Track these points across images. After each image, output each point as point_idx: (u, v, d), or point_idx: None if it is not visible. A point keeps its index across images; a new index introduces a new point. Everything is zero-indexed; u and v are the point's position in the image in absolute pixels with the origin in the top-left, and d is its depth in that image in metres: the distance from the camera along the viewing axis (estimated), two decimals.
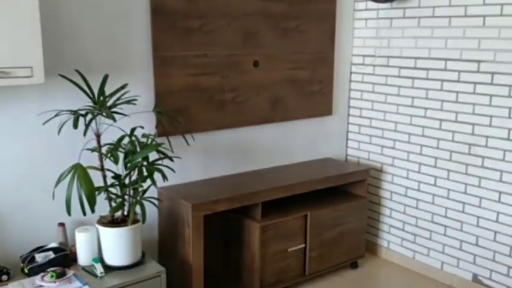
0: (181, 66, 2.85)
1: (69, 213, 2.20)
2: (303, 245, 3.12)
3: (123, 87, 2.49)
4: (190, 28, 2.86)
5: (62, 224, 2.55)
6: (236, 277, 3.08)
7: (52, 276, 2.27)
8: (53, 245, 2.49)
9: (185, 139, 2.69)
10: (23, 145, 2.45)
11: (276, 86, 3.31)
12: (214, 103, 3.03)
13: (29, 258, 2.39)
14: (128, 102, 2.42)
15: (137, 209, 2.40)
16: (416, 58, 3.29)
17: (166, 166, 2.52)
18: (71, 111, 2.36)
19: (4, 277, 2.29)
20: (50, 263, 2.37)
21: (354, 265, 3.49)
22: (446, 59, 3.12)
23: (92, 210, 2.20)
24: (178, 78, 2.86)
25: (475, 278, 3.14)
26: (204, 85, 2.97)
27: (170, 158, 2.56)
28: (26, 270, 2.34)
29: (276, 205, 3.10)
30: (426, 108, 3.27)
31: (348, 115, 3.81)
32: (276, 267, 3.02)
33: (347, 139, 3.86)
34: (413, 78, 3.32)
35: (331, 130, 3.75)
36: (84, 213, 2.20)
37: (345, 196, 3.43)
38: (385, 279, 3.40)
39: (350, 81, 3.76)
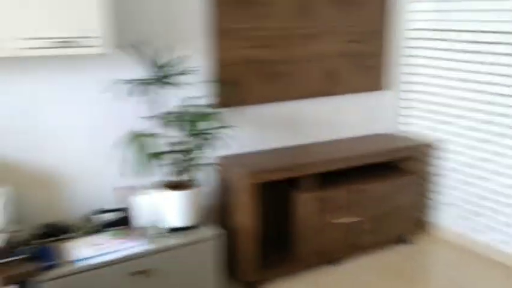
0: (237, 39, 2.91)
1: (128, 175, 2.32)
2: (352, 218, 3.14)
3: (182, 58, 2.57)
4: (248, 0, 2.90)
5: (123, 187, 2.70)
6: (287, 246, 3.15)
7: (114, 234, 2.42)
8: (116, 206, 2.65)
9: (240, 110, 2.75)
10: (87, 112, 2.59)
11: (329, 59, 3.31)
12: (268, 75, 3.08)
13: (93, 218, 2.55)
14: (185, 73, 2.51)
15: (196, 174, 2.50)
16: (475, 32, 3.18)
17: (223, 135, 2.59)
18: (134, 80, 2.48)
19: (71, 234, 2.47)
20: (111, 223, 2.52)
21: (405, 241, 3.48)
22: (509, 33, 3.01)
23: (149, 174, 2.31)
24: (234, 50, 2.92)
25: None
26: (259, 57, 3.01)
27: (227, 128, 2.63)
28: (90, 229, 2.51)
29: (327, 178, 3.13)
30: (483, 83, 3.17)
31: (402, 90, 3.76)
32: (324, 238, 3.07)
33: (401, 114, 3.81)
34: (471, 52, 3.22)
35: (384, 105, 3.72)
36: (142, 176, 2.32)
37: (397, 172, 3.41)
38: (439, 257, 3.36)
39: (405, 55, 3.70)
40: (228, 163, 2.89)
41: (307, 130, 3.37)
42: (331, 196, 3.02)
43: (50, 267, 2.14)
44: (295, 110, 3.28)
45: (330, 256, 3.13)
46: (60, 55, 2.26)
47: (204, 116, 2.54)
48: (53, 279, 2.11)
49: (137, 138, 2.33)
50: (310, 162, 2.93)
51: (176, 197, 2.54)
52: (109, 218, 2.53)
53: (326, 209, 3.02)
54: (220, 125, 2.61)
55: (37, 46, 2.09)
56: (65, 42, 2.14)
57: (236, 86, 2.94)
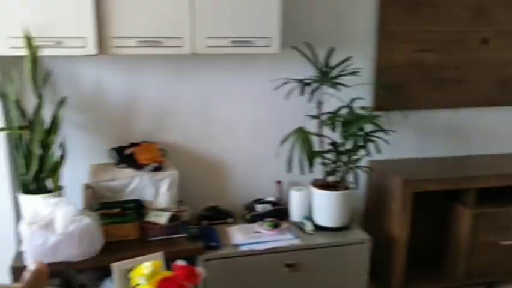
0: (404, 41, 2.84)
1: (290, 171, 2.42)
2: None
3: (347, 59, 2.59)
4: (417, 2, 2.81)
5: (279, 182, 2.82)
6: (440, 261, 3.00)
7: (269, 225, 2.54)
8: (271, 199, 2.78)
9: (402, 114, 2.68)
10: (254, 107, 2.76)
11: (505, 66, 3.05)
12: (434, 81, 2.95)
13: (251, 207, 2.71)
14: (351, 74, 2.52)
15: (349, 176, 2.51)
16: None
17: (381, 138, 2.56)
18: (298, 79, 2.57)
19: (230, 220, 2.65)
20: (267, 214, 2.66)
21: None
22: None
23: (311, 171, 2.38)
24: (400, 53, 2.85)
25: None
26: (425, 61, 2.90)
27: (386, 131, 2.59)
28: (247, 217, 2.67)
29: (492, 194, 2.89)
30: None
31: None
32: (485, 260, 2.84)
33: None
34: None
35: None
36: (303, 173, 2.40)
37: None
38: None
39: None
40: (382, 168, 2.84)
41: (474, 141, 3.15)
42: (496, 214, 2.79)
43: (212, 248, 2.33)
44: (462, 118, 3.09)
45: (488, 279, 2.90)
46: (236, 53, 2.43)
47: (363, 118, 2.53)
48: (215, 259, 2.30)
49: (300, 135, 2.41)
50: (475, 176, 2.74)
51: (329, 197, 2.57)
52: (266, 209, 2.67)
53: (488, 228, 2.79)
54: (378, 128, 2.57)
55: (220, 45, 2.29)
56: (243, 42, 2.31)
57: (398, 89, 2.87)
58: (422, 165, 2.92)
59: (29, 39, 2.05)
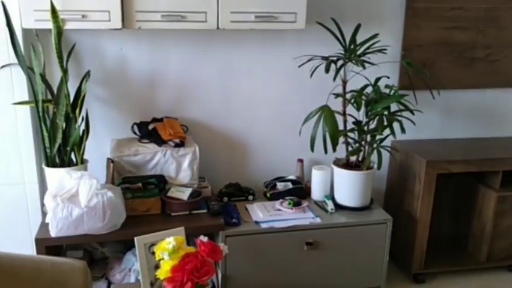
0: (433, 19, 2.76)
1: (312, 149, 2.40)
2: None
3: (374, 36, 2.53)
4: None
5: (300, 160, 2.80)
6: (461, 243, 2.97)
7: (290, 203, 2.54)
8: (292, 177, 2.77)
9: (431, 93, 2.62)
10: (277, 84, 2.73)
11: None
12: (463, 60, 2.87)
13: (271, 185, 2.70)
14: (379, 51, 2.46)
15: (372, 156, 2.48)
16: None
17: (407, 118, 2.51)
18: (323, 57, 2.52)
19: (250, 197, 2.65)
20: (288, 192, 2.65)
21: None
22: None
23: (334, 150, 2.35)
24: (429, 31, 2.77)
25: None
26: (455, 40, 2.82)
27: (411, 111, 2.53)
28: (268, 195, 2.66)
29: None
30: None
31: None
32: (508, 243, 2.80)
33: None
34: None
35: None
36: (326, 151, 2.37)
37: None
38: None
39: None
40: (405, 148, 2.80)
41: (502, 122, 3.08)
42: None
43: (232, 224, 2.34)
44: (491, 99, 3.01)
45: (511, 262, 2.86)
46: (260, 29, 2.39)
47: (389, 98, 2.48)
48: (235, 235, 2.31)
49: (324, 113, 2.37)
50: (499, 158, 2.68)
51: (351, 177, 2.55)
52: (287, 187, 2.66)
53: None
54: (403, 107, 2.52)
55: (244, 20, 2.25)
56: (268, 17, 2.27)
57: (426, 68, 2.80)
58: (447, 147, 2.87)
59: (54, 12, 2.05)
